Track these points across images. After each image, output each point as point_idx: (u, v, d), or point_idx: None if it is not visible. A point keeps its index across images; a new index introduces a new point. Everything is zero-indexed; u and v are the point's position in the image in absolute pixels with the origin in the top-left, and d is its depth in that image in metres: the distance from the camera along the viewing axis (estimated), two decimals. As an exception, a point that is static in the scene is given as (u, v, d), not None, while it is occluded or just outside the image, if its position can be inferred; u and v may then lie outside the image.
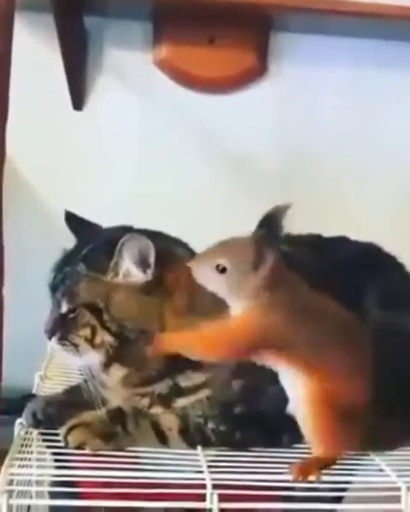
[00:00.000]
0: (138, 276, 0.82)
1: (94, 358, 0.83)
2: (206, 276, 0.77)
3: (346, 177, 1.54)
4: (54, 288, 0.85)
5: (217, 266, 0.75)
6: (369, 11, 1.17)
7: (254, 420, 0.84)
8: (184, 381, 0.84)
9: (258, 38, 1.49)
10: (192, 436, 0.84)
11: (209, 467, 0.77)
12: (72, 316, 0.82)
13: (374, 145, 1.54)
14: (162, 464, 0.79)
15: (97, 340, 0.82)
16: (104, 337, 0.82)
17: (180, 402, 0.84)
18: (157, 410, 0.85)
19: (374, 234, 1.00)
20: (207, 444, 0.84)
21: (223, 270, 0.75)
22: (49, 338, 0.83)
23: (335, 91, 1.53)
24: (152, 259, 0.81)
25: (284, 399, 0.81)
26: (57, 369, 1.03)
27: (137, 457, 0.81)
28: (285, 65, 1.52)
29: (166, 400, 0.85)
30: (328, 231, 1.01)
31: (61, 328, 0.83)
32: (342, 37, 1.48)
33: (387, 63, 1.50)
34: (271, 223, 0.78)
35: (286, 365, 0.77)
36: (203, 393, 0.84)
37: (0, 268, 0.75)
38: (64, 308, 0.83)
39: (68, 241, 0.90)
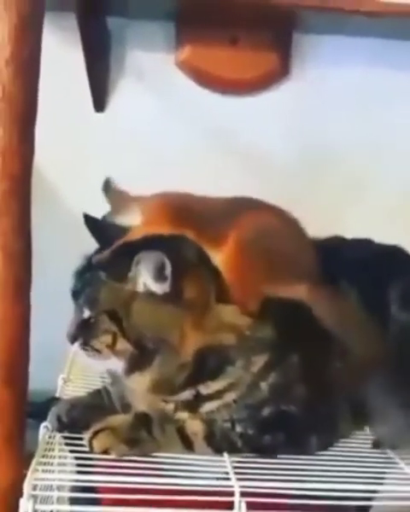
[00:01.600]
0: (157, 288, 0.81)
1: (117, 364, 0.83)
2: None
3: (368, 179, 1.51)
4: (76, 295, 0.84)
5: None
6: (399, 11, 1.15)
7: (282, 422, 0.83)
8: (205, 389, 0.83)
9: (281, 40, 1.47)
10: (218, 442, 0.83)
11: (236, 473, 0.76)
12: (93, 321, 0.82)
13: (397, 147, 1.52)
14: (188, 470, 0.78)
15: (118, 347, 0.81)
16: (125, 345, 0.81)
17: (207, 406, 0.83)
18: (183, 415, 0.84)
19: (395, 238, 0.98)
20: (233, 450, 0.83)
21: None
22: (72, 343, 0.83)
23: (358, 93, 1.50)
24: (168, 273, 0.80)
25: (312, 400, 0.81)
26: (80, 371, 1.03)
27: (163, 463, 0.80)
28: (308, 67, 1.50)
29: (191, 405, 0.84)
30: (346, 234, 1.00)
31: (84, 333, 0.82)
32: (365, 38, 1.46)
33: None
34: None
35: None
36: (229, 397, 0.83)
37: (28, 269, 0.75)
38: (86, 314, 0.82)
39: (90, 245, 0.90)
